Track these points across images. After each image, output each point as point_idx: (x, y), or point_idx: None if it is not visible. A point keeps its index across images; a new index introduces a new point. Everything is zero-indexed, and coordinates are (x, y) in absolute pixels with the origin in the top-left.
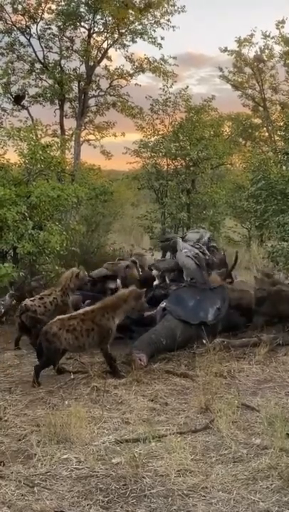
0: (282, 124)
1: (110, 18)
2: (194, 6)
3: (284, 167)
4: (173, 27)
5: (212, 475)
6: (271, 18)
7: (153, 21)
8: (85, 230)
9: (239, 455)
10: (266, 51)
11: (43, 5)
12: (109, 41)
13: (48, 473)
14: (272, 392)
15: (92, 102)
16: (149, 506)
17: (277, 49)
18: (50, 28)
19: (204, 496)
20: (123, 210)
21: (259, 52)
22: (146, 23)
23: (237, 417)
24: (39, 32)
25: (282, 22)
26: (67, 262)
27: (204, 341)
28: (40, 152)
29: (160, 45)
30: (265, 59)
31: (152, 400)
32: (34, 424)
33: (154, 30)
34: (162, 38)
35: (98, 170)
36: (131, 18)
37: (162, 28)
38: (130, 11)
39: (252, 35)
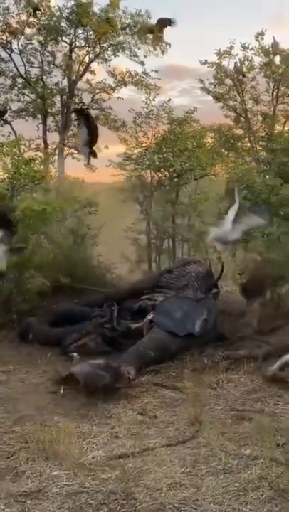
0: (263, 134)
1: (91, 33)
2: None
3: (267, 176)
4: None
5: (203, 487)
6: (250, 30)
7: (135, 37)
8: (70, 243)
9: (229, 466)
10: (246, 63)
11: (24, 20)
12: (90, 55)
13: (38, 491)
14: (261, 402)
15: (75, 115)
16: None
17: (257, 60)
18: (31, 43)
19: (195, 508)
20: (108, 221)
21: (239, 64)
22: (127, 39)
23: (226, 428)
24: (20, 47)
25: (262, 34)
26: (54, 275)
27: (205, 361)
28: (24, 166)
29: (142, 63)
30: (245, 70)
31: (141, 413)
32: (23, 441)
33: (138, 48)
34: (145, 56)
35: (82, 183)
36: (112, 33)
37: (144, 43)
38: (110, 27)
39: (231, 47)
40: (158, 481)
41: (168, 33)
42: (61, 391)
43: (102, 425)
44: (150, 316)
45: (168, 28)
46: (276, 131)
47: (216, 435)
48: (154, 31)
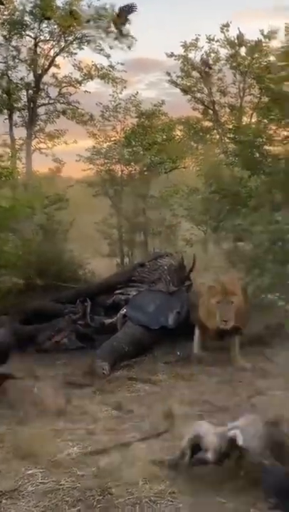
0: (231, 126)
1: (56, 26)
2: (140, 12)
3: (235, 169)
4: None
5: (178, 479)
6: (216, 22)
7: (100, 30)
8: (41, 239)
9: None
10: (212, 55)
11: None
12: (56, 49)
13: (14, 490)
14: (234, 392)
15: (41, 110)
16: None
17: (223, 52)
18: None
19: (172, 501)
20: (79, 217)
21: (205, 56)
22: (91, 32)
23: (200, 419)
24: None
25: (227, 25)
26: (25, 273)
27: (178, 353)
28: None
29: (108, 56)
30: (212, 62)
31: (116, 408)
32: None
33: (103, 41)
34: (111, 48)
35: (52, 178)
36: (77, 27)
37: (110, 36)
38: (75, 20)
39: (197, 40)
40: (134, 475)
41: (133, 26)
42: (35, 389)
43: (77, 422)
44: (123, 311)
45: (133, 22)
46: (244, 123)
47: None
48: (118, 21)
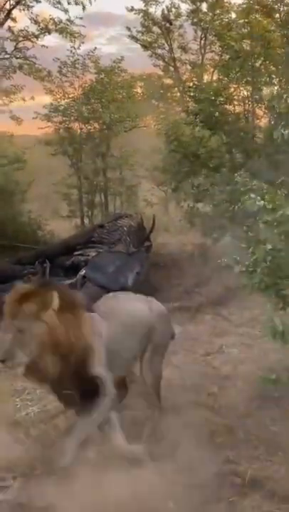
0: (192, 84)
1: None
2: None
3: (196, 128)
4: None
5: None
6: None
7: None
8: None
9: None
10: (173, 10)
11: None
12: (11, 1)
13: None
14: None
15: None
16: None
17: (184, 7)
18: None
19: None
20: (38, 177)
21: (166, 11)
22: None
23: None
24: None
25: None
26: None
27: None
28: None
29: (66, 10)
30: (173, 18)
31: None
32: None
33: None
34: (69, 3)
35: (9, 137)
36: None
37: None
38: None
39: None
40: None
41: None
42: None
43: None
44: (83, 272)
45: None
46: (205, 81)
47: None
48: None
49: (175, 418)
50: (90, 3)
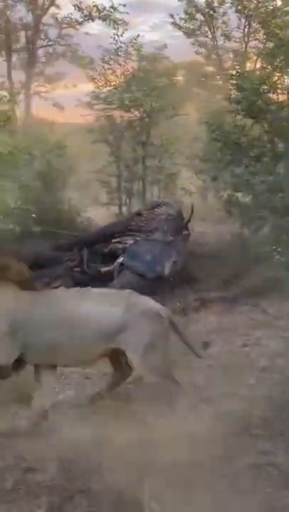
0: (234, 72)
1: None
2: None
3: (238, 117)
4: None
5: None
6: None
7: None
8: (39, 187)
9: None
10: None
11: None
12: None
13: (11, 432)
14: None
15: (41, 52)
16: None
17: None
18: None
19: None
20: (78, 164)
21: None
22: None
23: (195, 367)
24: None
25: None
26: (23, 220)
27: (177, 304)
28: None
29: None
30: (216, 5)
31: None
32: None
33: None
34: None
35: (51, 123)
36: None
37: None
38: None
39: None
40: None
41: None
42: None
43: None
44: (120, 259)
45: None
46: (248, 69)
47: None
48: None
49: (211, 408)
50: None
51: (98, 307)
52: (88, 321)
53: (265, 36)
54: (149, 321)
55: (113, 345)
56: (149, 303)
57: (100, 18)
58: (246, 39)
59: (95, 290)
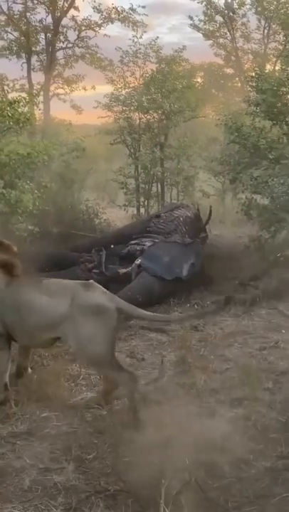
0: (253, 74)
1: None
2: None
3: (257, 119)
4: None
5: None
6: None
7: None
8: (58, 188)
9: (215, 406)
10: None
11: None
12: None
13: (28, 432)
14: (246, 344)
15: (60, 54)
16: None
17: None
18: None
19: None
20: (96, 165)
21: (229, 0)
22: None
23: (212, 369)
24: None
25: None
26: (41, 221)
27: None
28: (8, 108)
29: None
30: (236, 7)
31: (129, 356)
32: (12, 384)
33: None
34: None
35: (69, 125)
36: None
37: None
38: None
39: None
40: (144, 420)
41: None
42: None
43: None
44: (138, 261)
45: None
46: (267, 71)
47: (201, 375)
48: None
49: (229, 411)
50: None
51: (48, 298)
52: (36, 309)
53: (284, 38)
54: (89, 312)
55: (57, 335)
56: (94, 295)
57: (119, 20)
58: (266, 41)
59: (53, 281)
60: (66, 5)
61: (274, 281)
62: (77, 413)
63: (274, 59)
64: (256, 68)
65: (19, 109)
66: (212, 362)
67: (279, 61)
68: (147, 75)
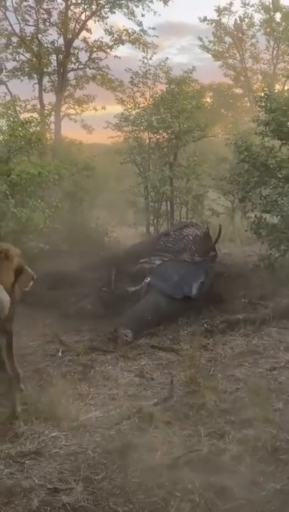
0: (262, 94)
1: None
2: None
3: (266, 138)
4: None
5: (204, 449)
6: None
7: None
8: (68, 207)
9: (224, 427)
10: (246, 20)
11: None
12: (87, 13)
13: (36, 451)
14: (256, 364)
15: (71, 75)
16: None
17: (257, 17)
18: (26, 0)
19: (192, 469)
20: (106, 185)
21: (239, 21)
22: None
23: (222, 389)
24: (15, 4)
25: None
26: (51, 239)
27: (204, 325)
28: (20, 128)
29: (140, 23)
30: (245, 28)
31: (138, 375)
32: (21, 403)
33: (135, 5)
34: (143, 16)
35: (80, 145)
36: None
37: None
38: None
39: (231, 4)
40: (153, 441)
41: None
42: (59, 353)
43: (100, 387)
44: (148, 280)
45: None
46: (276, 91)
47: (211, 396)
48: None
49: (238, 432)
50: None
51: None
52: None
53: None
54: None
55: None
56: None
57: (129, 41)
58: (275, 61)
59: None
60: (78, 27)
61: (284, 300)
62: (86, 433)
63: (283, 79)
64: (265, 88)
65: (31, 129)
66: (222, 382)
67: (288, 81)
68: (157, 96)
